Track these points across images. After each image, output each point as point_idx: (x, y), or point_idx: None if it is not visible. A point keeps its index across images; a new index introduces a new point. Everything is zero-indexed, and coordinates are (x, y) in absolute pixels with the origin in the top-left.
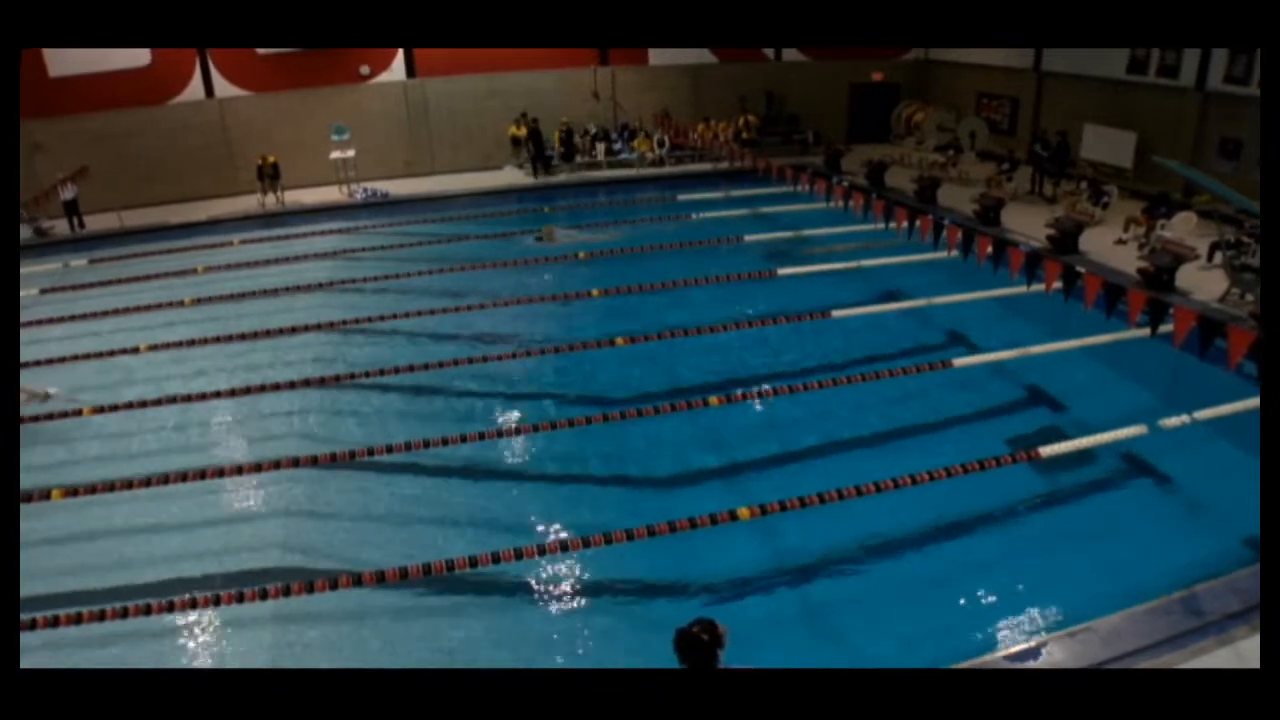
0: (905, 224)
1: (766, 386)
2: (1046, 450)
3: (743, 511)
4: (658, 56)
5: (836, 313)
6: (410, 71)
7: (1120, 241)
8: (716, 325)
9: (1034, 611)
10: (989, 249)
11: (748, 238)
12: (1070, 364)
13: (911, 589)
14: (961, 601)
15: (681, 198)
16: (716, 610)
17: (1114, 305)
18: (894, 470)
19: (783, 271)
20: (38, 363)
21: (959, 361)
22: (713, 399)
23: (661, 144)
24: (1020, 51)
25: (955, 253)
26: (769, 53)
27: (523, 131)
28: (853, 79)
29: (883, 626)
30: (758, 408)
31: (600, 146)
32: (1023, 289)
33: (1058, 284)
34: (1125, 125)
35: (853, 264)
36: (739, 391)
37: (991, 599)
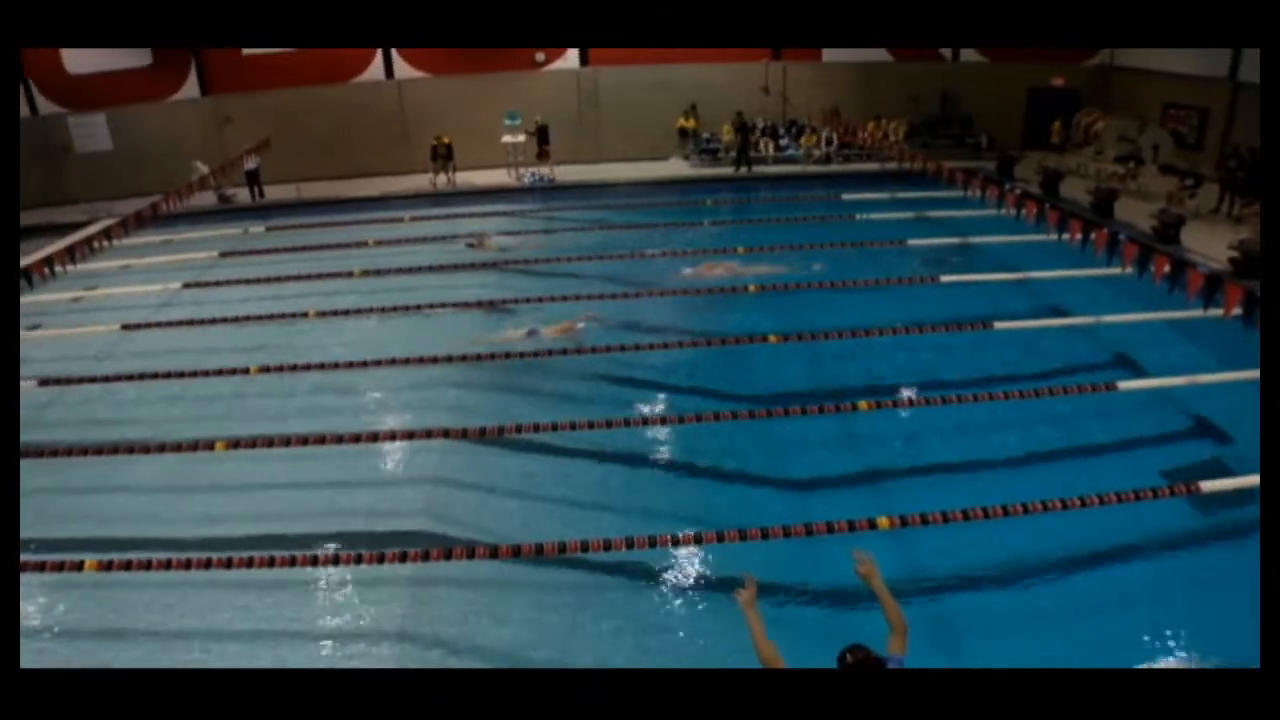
0: (1078, 236)
1: (919, 395)
2: (1208, 485)
3: (882, 521)
4: (831, 53)
5: (999, 324)
6: (583, 60)
7: None
8: (873, 329)
9: (1182, 654)
10: (1166, 268)
11: (911, 241)
12: (1244, 395)
13: (1048, 618)
14: (1101, 635)
15: (846, 197)
16: (842, 618)
17: None
18: (1043, 492)
19: (946, 278)
20: (212, 320)
21: (1124, 385)
22: (863, 404)
23: (829, 141)
24: (1214, 59)
25: (1130, 270)
26: (945, 52)
27: (691, 123)
28: (1031, 82)
29: (1014, 653)
30: (908, 416)
31: (767, 143)
32: (1199, 312)
33: (1238, 309)
34: None
35: (1020, 275)
36: (890, 398)
37: (1136, 637)
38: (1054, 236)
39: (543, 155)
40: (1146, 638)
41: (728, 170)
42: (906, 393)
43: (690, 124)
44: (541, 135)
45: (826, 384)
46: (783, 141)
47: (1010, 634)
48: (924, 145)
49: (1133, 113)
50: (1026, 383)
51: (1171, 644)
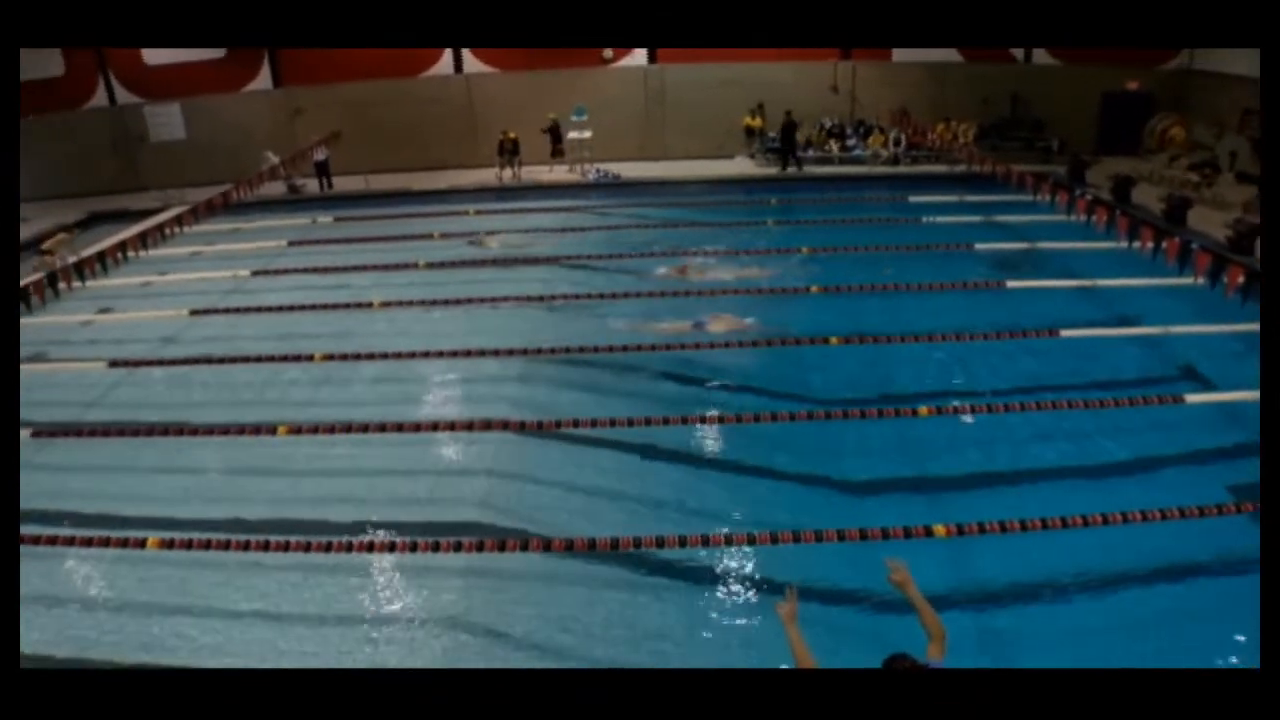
0: (1150, 245)
1: (981, 402)
2: None
3: (939, 528)
4: (901, 53)
5: (1065, 332)
6: (651, 57)
7: None
8: (935, 333)
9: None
10: (1240, 279)
11: (978, 245)
12: None
13: (1106, 633)
14: (1161, 655)
15: (913, 199)
16: (892, 624)
17: None
18: (1105, 505)
19: (1012, 284)
20: (279, 308)
21: (1192, 398)
22: (923, 409)
23: (897, 142)
24: None
25: (1202, 280)
26: (1017, 54)
27: (758, 122)
28: (1106, 86)
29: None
30: (969, 422)
31: (834, 142)
32: None
33: None
34: None
35: (1088, 282)
36: (952, 404)
37: (1199, 657)
38: (1124, 244)
39: (556, 154)
40: (1210, 657)
41: (789, 170)
42: (968, 399)
43: (757, 123)
44: (554, 134)
45: (886, 387)
46: (850, 142)
47: (1064, 649)
48: (993, 148)
49: (1210, 118)
50: (1091, 392)
51: (1235, 662)
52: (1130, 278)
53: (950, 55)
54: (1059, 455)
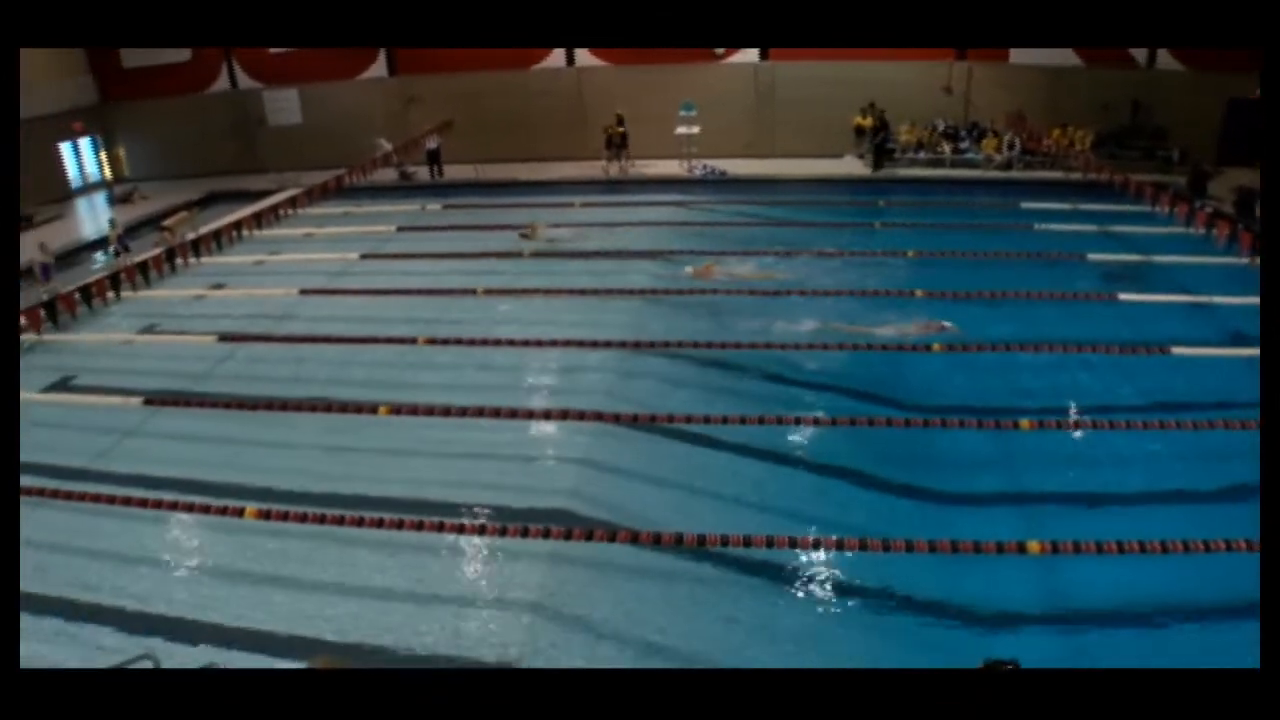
0: None
1: (1085, 417)
2: None
3: (1032, 545)
4: (1018, 54)
5: (1177, 349)
6: (763, 54)
7: None
8: (1042, 344)
9: None
10: None
11: (1091, 256)
12: None
13: (1192, 662)
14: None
15: (1025, 205)
16: (979, 638)
17: None
18: (1207, 531)
19: (1124, 296)
20: (385, 291)
21: None
22: (1024, 422)
23: (1011, 146)
24: None
25: None
26: (1140, 58)
27: (868, 122)
28: (1234, 93)
29: None
30: (1073, 437)
31: (946, 144)
32: None
33: None
34: None
35: (1204, 299)
36: (1054, 418)
37: None
38: (1245, 260)
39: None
40: None
41: (907, 171)
42: (1072, 413)
43: (867, 122)
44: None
45: (988, 398)
46: (963, 144)
47: None
48: (1111, 156)
49: None
50: (1201, 413)
51: None
52: (1249, 296)
53: (1069, 58)
54: (1164, 477)
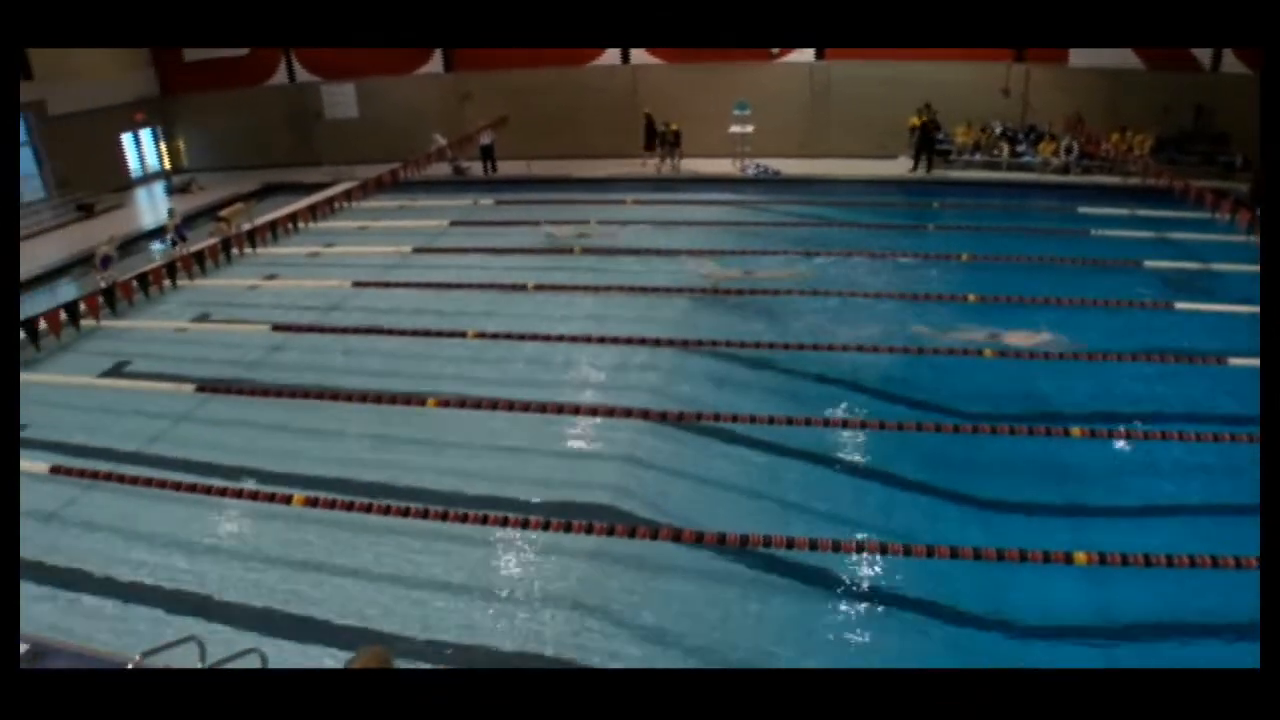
0: None
1: (1138, 427)
2: None
3: (1079, 556)
4: (1078, 56)
5: (1235, 360)
6: (819, 53)
7: None
8: (1095, 352)
9: None
10: None
11: (1147, 263)
12: None
13: None
14: None
15: (1082, 210)
16: (1023, 649)
17: None
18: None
19: (1181, 305)
20: (437, 285)
21: None
22: (1075, 430)
23: (1069, 150)
24: None
25: None
26: (1205, 61)
27: (920, 121)
28: None
29: None
30: (1123, 448)
31: (1003, 146)
32: None
33: None
34: None
35: None
36: (1106, 427)
37: None
38: None
39: (651, 148)
40: None
41: (962, 173)
42: (1124, 423)
43: (931, 123)
44: (650, 130)
45: (1038, 404)
46: (1019, 147)
47: None
48: (1171, 161)
49: None
50: (1256, 427)
51: None
52: None
53: (1130, 61)
54: (1217, 490)
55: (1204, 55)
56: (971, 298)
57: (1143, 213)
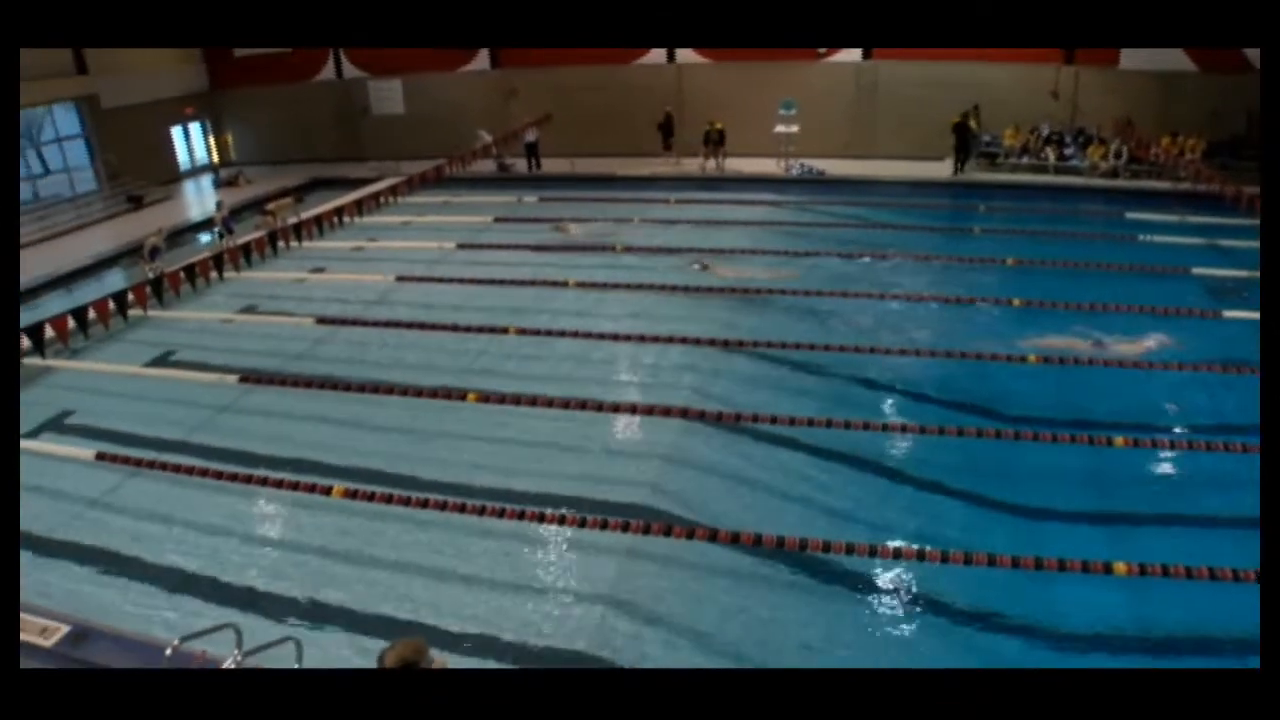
0: None
1: (1183, 437)
2: None
3: (1119, 566)
4: (1129, 58)
5: None
6: (866, 53)
7: None
8: (1141, 360)
9: None
10: None
11: (1196, 270)
12: None
13: None
14: None
15: (1130, 215)
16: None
17: None
18: None
19: (1229, 314)
20: (479, 281)
21: None
22: (1119, 439)
23: (1118, 154)
24: None
25: None
26: (1258, 62)
27: (972, 124)
28: None
29: None
30: (1167, 457)
31: (1051, 150)
32: None
33: None
34: None
35: None
36: (1149, 436)
37: None
38: None
39: (669, 148)
40: None
41: (1009, 176)
42: (1168, 433)
43: (971, 125)
44: (666, 129)
45: (1082, 412)
46: (1068, 150)
47: None
48: (1223, 167)
49: None
50: None
51: None
52: None
53: (1182, 64)
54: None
55: (1256, 56)
56: (1015, 302)
57: (1193, 219)
